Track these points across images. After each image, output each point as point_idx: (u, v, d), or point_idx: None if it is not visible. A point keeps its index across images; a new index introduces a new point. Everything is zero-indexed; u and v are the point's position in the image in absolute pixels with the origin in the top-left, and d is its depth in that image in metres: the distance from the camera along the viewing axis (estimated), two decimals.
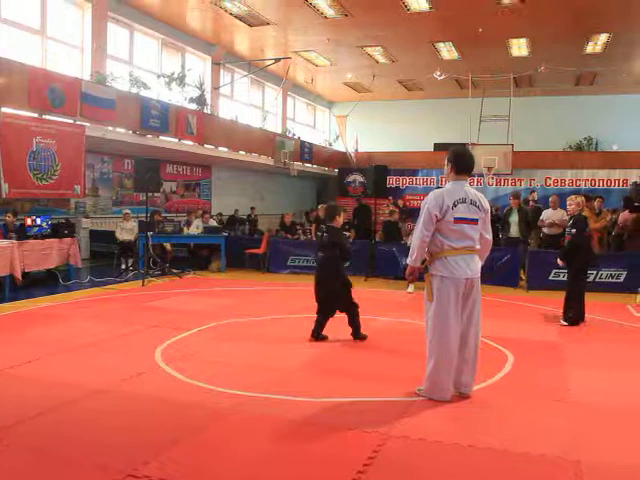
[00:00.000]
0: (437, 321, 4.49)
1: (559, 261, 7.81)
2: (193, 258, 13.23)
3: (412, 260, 4.57)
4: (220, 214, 17.51)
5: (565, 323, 7.55)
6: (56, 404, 4.30)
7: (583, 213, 7.89)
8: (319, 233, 6.99)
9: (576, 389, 4.92)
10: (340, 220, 6.65)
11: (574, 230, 7.60)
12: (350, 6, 14.11)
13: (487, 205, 4.67)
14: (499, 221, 12.35)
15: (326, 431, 3.90)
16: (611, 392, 4.87)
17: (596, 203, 12.46)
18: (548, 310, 8.10)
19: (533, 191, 16.47)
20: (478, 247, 4.60)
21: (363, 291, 10.26)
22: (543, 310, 8.42)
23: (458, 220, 4.46)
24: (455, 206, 4.45)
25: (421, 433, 3.88)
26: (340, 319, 6.42)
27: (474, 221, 4.53)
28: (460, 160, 4.64)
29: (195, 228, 13.18)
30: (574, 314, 7.58)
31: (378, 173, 14.06)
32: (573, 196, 7.98)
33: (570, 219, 7.79)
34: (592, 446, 3.74)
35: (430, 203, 4.50)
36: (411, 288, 10.15)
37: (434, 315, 4.51)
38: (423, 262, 4.64)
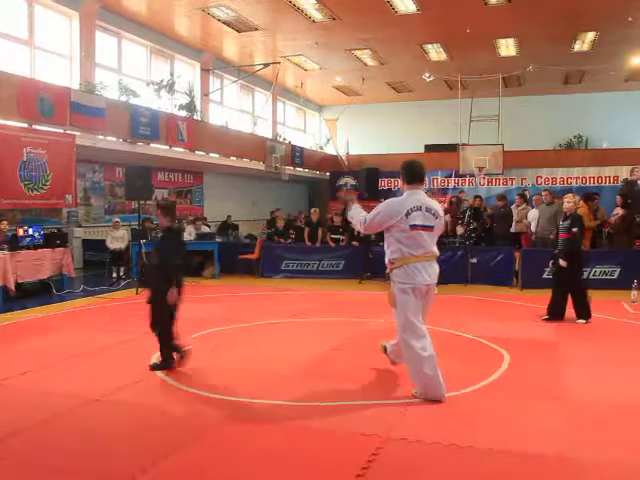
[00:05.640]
0: (405, 328, 4.62)
1: (561, 262, 7.56)
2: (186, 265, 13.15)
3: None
4: (229, 216, 17.55)
5: (584, 321, 7.55)
6: (52, 414, 4.28)
7: (579, 211, 7.94)
8: None
9: (573, 387, 4.94)
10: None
11: (576, 229, 7.57)
12: (338, 10, 14.13)
13: (442, 212, 4.86)
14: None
15: (324, 435, 3.90)
16: (608, 389, 4.89)
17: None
18: (542, 309, 8.10)
19: (525, 190, 16.52)
20: (437, 253, 4.75)
21: (357, 293, 10.30)
22: (538, 309, 8.43)
23: (414, 227, 4.59)
24: (409, 214, 4.58)
25: (419, 435, 3.88)
26: (337, 323, 6.39)
27: (430, 228, 4.68)
28: (409, 171, 4.81)
29: (188, 235, 13.14)
30: (555, 308, 7.77)
31: (370, 175, 14.13)
32: (570, 195, 8.01)
33: (568, 217, 7.72)
34: (591, 444, 3.75)
35: (384, 210, 4.65)
36: None
37: (401, 324, 4.66)
38: (385, 269, 4.77)
